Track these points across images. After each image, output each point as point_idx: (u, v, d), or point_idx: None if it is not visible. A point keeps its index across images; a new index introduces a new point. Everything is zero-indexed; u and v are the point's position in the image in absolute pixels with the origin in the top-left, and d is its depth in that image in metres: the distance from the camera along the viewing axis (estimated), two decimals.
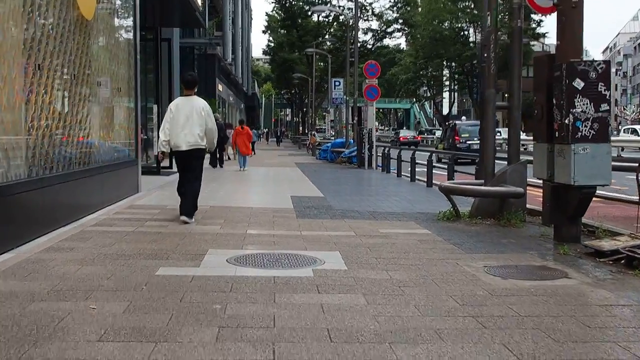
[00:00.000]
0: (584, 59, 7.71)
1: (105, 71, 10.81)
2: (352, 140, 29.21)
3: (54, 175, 8.15)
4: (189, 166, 9.36)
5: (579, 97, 7.22)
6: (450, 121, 51.92)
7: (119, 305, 4.79)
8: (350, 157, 26.97)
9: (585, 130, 7.22)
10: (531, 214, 10.16)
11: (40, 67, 7.74)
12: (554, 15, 7.99)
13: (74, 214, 8.88)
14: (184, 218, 9.00)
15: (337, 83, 36.53)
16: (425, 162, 16.55)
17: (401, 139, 62.31)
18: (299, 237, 7.93)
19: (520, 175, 9.65)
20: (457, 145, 29.97)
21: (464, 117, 71.15)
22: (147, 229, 8.33)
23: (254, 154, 26.78)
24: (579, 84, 7.22)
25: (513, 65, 9.79)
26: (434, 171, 16.44)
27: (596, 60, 7.53)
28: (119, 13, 12.01)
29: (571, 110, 7.23)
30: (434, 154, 18.40)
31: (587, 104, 7.22)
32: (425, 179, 17.27)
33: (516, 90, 9.77)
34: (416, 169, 18.12)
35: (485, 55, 10.43)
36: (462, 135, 31.54)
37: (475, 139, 29.02)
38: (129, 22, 12.62)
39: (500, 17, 60.36)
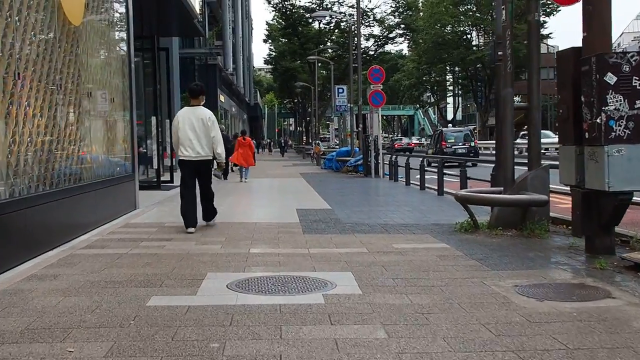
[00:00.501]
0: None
1: (97, 81, 10.18)
2: (357, 149, 28.55)
3: (39, 194, 7.51)
4: (199, 175, 9.63)
5: (612, 93, 6.54)
6: (438, 128, 56.75)
7: (100, 346, 4.12)
8: (356, 166, 26.30)
9: (619, 130, 6.53)
10: (554, 223, 9.50)
11: (21, 77, 7.10)
12: (557, 16, 7.34)
13: (64, 236, 8.24)
14: (209, 223, 9.83)
15: (340, 90, 35.88)
16: (436, 170, 15.89)
17: (396, 145, 62.68)
18: (306, 256, 7.26)
19: (542, 182, 8.97)
20: (444, 150, 33.48)
21: (450, 125, 72.95)
22: (141, 250, 7.66)
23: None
24: (610, 78, 6.54)
25: (531, 62, 9.12)
26: (443, 178, 15.78)
27: (629, 52, 6.82)
28: (111, 19, 11.38)
29: (603, 108, 6.55)
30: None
31: (620, 100, 6.54)
32: (436, 188, 16.67)
33: (535, 89, 9.11)
34: (425, 177, 17.49)
35: (500, 52, 9.77)
36: (448, 141, 35.14)
37: (460, 144, 35.06)
38: (122, 29, 11.98)
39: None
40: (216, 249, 7.73)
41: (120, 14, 11.90)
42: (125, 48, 12.09)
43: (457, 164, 18.51)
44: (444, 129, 46.31)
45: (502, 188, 9.66)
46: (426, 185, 17.30)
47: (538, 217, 8.80)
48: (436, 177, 16.68)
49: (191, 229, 9.17)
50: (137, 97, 19.60)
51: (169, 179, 19.81)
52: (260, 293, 5.50)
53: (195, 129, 9.28)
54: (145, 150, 18.55)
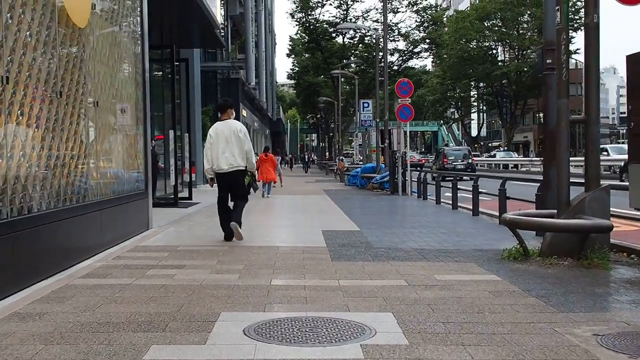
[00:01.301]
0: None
1: (106, 89, 9.29)
2: (383, 165, 27.55)
3: (32, 215, 6.59)
4: (234, 186, 9.89)
5: None
6: (441, 148, 62.58)
7: None
8: (382, 183, 25.30)
9: None
10: (614, 251, 8.42)
11: (10, 81, 6.19)
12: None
13: (62, 262, 7.30)
14: (234, 225, 9.70)
15: (365, 105, 34.94)
16: (471, 189, 14.85)
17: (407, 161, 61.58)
18: (337, 290, 6.25)
19: (602, 204, 7.92)
20: (445, 166, 38.84)
21: (451, 144, 74.47)
22: (147, 281, 6.70)
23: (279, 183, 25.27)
24: None
25: (589, 70, 8.07)
26: (479, 198, 14.71)
27: None
28: (123, 23, 10.50)
29: None
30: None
31: None
32: (469, 207, 15.63)
33: (594, 100, 8.07)
34: (458, 194, 16.46)
35: (549, 60, 8.77)
36: (449, 158, 41.09)
37: (459, 160, 40.76)
38: (136, 34, 11.11)
39: (530, 34, 58.67)
40: (233, 280, 6.75)
41: (133, 18, 11.02)
42: (139, 55, 11.19)
43: (456, 177, 19.02)
44: (445, 147, 55.09)
45: (552, 210, 8.61)
46: (459, 204, 16.30)
47: (598, 245, 7.74)
48: (468, 195, 15.69)
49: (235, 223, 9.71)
50: (156, 109, 18.89)
51: (187, 196, 18.97)
52: (284, 342, 4.49)
53: (228, 141, 9.66)
54: (163, 165, 17.73)
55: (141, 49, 11.25)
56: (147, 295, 5.95)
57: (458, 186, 16.61)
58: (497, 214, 14.15)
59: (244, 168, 9.87)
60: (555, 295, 5.99)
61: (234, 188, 9.94)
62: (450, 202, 17.24)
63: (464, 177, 21.12)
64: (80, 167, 8.17)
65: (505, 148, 66.48)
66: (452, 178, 18.93)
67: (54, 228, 7.12)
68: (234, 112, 10.23)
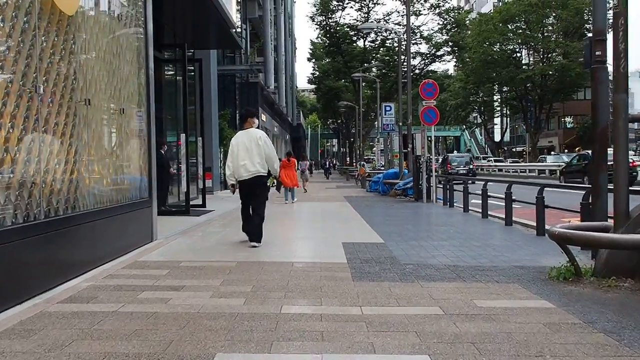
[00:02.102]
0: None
1: (101, 87, 8.34)
2: (406, 171, 26.46)
3: (3, 230, 5.63)
4: (252, 194, 10.14)
5: None
6: (445, 154, 66.87)
7: None
8: (405, 189, 24.21)
9: None
10: None
11: None
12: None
13: (42, 283, 6.34)
14: (253, 244, 9.87)
15: (387, 108, 33.82)
16: (504, 196, 13.74)
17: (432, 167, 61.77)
18: (359, 320, 5.21)
19: None
20: (449, 171, 42.41)
21: (455, 151, 75.26)
22: (136, 307, 5.69)
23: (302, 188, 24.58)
24: None
25: None
26: (512, 206, 13.60)
27: None
28: (122, 15, 9.55)
29: None
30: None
31: None
32: (500, 216, 14.57)
33: None
34: (488, 201, 15.35)
35: (599, 52, 7.68)
36: (452, 164, 46.39)
37: (462, 166, 45.71)
38: (138, 28, 10.15)
39: (555, 37, 57.26)
40: (237, 306, 5.73)
41: (135, 10, 10.06)
42: (142, 52, 10.24)
43: (461, 182, 19.85)
44: (449, 154, 59.56)
45: (605, 223, 7.54)
46: (489, 212, 15.21)
47: None
48: (497, 203, 14.61)
49: (254, 243, 9.89)
50: (169, 112, 17.98)
51: (200, 203, 18.03)
52: None
53: (248, 149, 9.97)
54: (176, 171, 16.80)
55: (145, 45, 10.29)
56: (131, 328, 4.95)
57: (489, 193, 15.48)
58: (533, 224, 13.10)
59: (264, 174, 10.10)
60: (627, 330, 4.91)
61: (254, 194, 10.16)
62: (479, 210, 16.18)
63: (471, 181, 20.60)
64: (69, 173, 7.21)
65: (552, 153, 64.58)
66: (461, 182, 19.37)
67: (33, 244, 6.15)
68: (256, 121, 10.47)
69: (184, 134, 15.69)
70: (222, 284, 6.79)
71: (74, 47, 7.47)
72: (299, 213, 17.30)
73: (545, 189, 12.01)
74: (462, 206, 17.41)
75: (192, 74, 19.20)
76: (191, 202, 18.41)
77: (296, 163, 23.75)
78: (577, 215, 13.10)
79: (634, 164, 32.84)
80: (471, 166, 47.55)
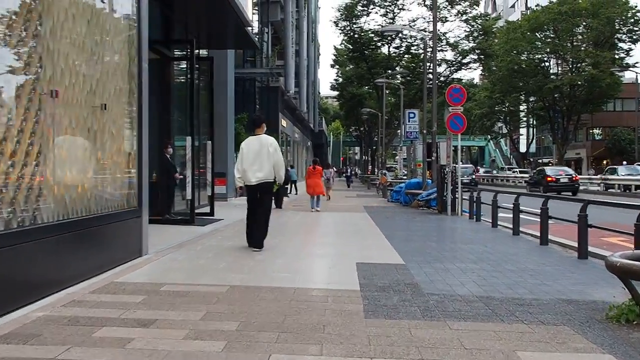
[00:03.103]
0: None
1: (78, 78, 7.14)
2: (429, 181, 25.11)
3: None
4: (260, 199, 10.33)
5: None
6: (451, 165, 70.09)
7: None
8: (429, 201, 22.85)
9: None
10: None
11: None
12: None
13: None
14: (255, 250, 10.05)
15: (411, 115, 32.49)
16: (538, 212, 12.38)
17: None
18: None
19: None
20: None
21: (460, 162, 75.74)
22: (82, 354, 4.44)
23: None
24: None
25: None
26: (548, 223, 12.24)
27: None
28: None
29: None
30: None
31: None
32: (533, 233, 13.27)
33: None
34: (520, 216, 13.99)
35: None
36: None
37: (466, 176, 40.14)
38: (127, 12, 8.93)
39: (585, 46, 55.99)
40: (213, 354, 4.47)
41: None
42: (133, 42, 9.04)
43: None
44: (455, 165, 65.15)
45: None
46: (520, 229, 13.86)
47: None
48: (529, 218, 13.29)
49: (256, 249, 10.10)
50: (178, 115, 16.85)
51: (208, 212, 16.85)
52: None
53: (258, 155, 10.12)
54: (182, 177, 15.61)
55: (137, 34, 9.09)
56: None
57: (521, 207, 14.11)
58: (571, 243, 11.80)
59: (272, 180, 10.28)
60: None
61: (261, 199, 10.36)
62: (508, 225, 14.87)
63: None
64: (28, 178, 6.01)
65: (625, 163, 62.15)
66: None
67: None
68: (265, 127, 10.69)
69: (190, 137, 14.47)
70: (203, 318, 5.53)
71: (41, 30, 6.29)
72: (313, 225, 16.02)
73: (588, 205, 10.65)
74: (491, 221, 16.05)
75: (205, 74, 18.07)
76: (199, 210, 17.28)
77: (322, 171, 23.51)
78: (622, 236, 11.83)
79: (576, 178, 41.24)
80: (473, 176, 51.98)
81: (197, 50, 17.84)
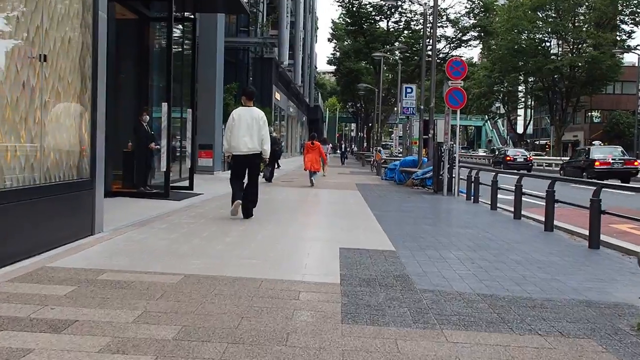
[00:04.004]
0: None
1: (8, 20, 5.93)
2: (425, 159, 23.95)
3: None
4: (248, 170, 10.57)
5: None
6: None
7: None
8: (424, 180, 21.72)
9: None
10: None
11: None
12: None
13: None
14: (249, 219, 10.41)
15: (408, 90, 31.16)
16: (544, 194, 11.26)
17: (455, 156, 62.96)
18: None
19: None
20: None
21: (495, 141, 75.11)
22: None
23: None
24: None
25: None
26: (554, 207, 11.11)
27: None
28: None
29: None
30: None
31: None
32: (537, 217, 12.25)
33: None
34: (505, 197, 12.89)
35: None
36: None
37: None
38: None
39: (586, 27, 54.70)
40: None
41: None
42: None
43: None
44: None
45: None
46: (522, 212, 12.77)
47: None
48: (533, 200, 12.16)
49: (238, 201, 10.39)
50: (159, 81, 15.58)
51: (187, 185, 15.70)
52: None
53: (249, 127, 10.31)
54: (158, 147, 14.41)
55: None
56: None
57: (523, 190, 12.99)
58: (579, 230, 10.76)
59: (260, 152, 10.47)
60: None
61: (250, 169, 10.61)
62: (509, 207, 13.85)
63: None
64: None
65: (599, 143, 61.07)
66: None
67: None
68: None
69: (166, 104, 13.26)
70: (136, 319, 4.38)
71: None
72: (299, 203, 14.85)
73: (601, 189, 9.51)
74: (490, 203, 14.93)
75: (188, 37, 16.82)
76: (178, 184, 16.16)
77: (320, 147, 22.95)
78: (632, 222, 10.74)
79: (530, 158, 47.84)
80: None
81: (179, 13, 16.63)
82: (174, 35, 16.24)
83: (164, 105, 13.28)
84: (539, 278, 6.58)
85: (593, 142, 46.61)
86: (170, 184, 15.83)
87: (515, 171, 20.82)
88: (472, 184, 16.94)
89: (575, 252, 8.68)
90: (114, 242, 7.56)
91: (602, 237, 9.44)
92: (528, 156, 48.71)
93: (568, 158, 41.26)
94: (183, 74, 16.80)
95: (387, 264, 7.00)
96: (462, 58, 20.49)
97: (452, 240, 9.17)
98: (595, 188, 9.49)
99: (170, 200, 13.07)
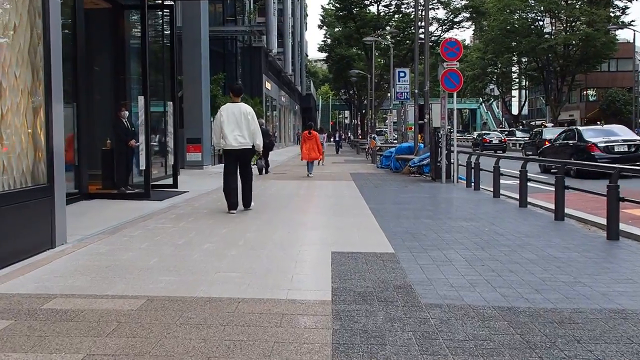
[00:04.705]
0: None
1: None
2: (421, 145, 23.06)
3: None
4: (241, 164, 10.83)
5: None
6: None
7: None
8: (421, 167, 20.85)
9: None
10: None
11: None
12: None
13: None
14: (248, 209, 10.96)
15: (402, 74, 30.22)
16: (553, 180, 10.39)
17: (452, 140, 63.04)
18: None
19: None
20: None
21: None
22: None
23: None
24: None
25: None
26: (564, 194, 10.25)
27: None
28: None
29: None
30: None
31: None
32: (545, 204, 11.44)
33: None
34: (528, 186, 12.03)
35: None
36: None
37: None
38: None
39: (579, 4, 53.67)
40: None
41: None
42: None
43: None
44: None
45: None
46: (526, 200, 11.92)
47: None
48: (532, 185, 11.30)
49: (233, 211, 10.54)
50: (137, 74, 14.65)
51: (170, 183, 14.81)
52: None
53: (238, 122, 10.50)
54: (138, 144, 13.49)
55: None
56: None
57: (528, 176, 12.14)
58: (591, 218, 9.94)
59: (251, 146, 10.67)
60: None
61: (242, 163, 10.81)
62: (511, 194, 13.08)
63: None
64: None
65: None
66: None
67: None
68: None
69: (143, 96, 12.35)
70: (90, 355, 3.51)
71: None
72: (290, 198, 13.92)
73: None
74: (492, 190, 14.07)
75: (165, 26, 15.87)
76: (163, 182, 15.28)
77: (317, 136, 22.44)
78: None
79: (504, 140, 51.19)
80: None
81: (155, 0, 15.69)
82: (152, 24, 15.34)
83: (140, 99, 12.36)
84: (560, 282, 5.72)
85: (598, 123, 46.18)
86: (154, 182, 14.99)
87: (494, 152, 20.07)
88: (472, 170, 16.08)
89: (594, 245, 7.82)
90: (74, 257, 6.66)
91: (621, 226, 8.58)
92: (503, 138, 52.06)
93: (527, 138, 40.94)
94: (164, 66, 15.87)
95: (385, 270, 6.13)
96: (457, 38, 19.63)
97: (457, 237, 8.29)
98: (612, 173, 8.62)
99: (151, 201, 12.20)
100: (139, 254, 6.87)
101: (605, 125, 25.74)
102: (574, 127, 27.88)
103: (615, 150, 20.34)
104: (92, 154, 13.24)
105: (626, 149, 20.52)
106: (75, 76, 11.99)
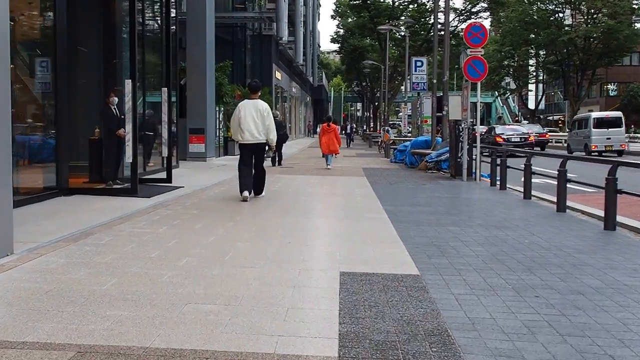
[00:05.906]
0: None
1: None
2: (439, 139, 21.56)
3: None
4: (255, 156, 11.45)
5: None
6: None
7: None
8: (439, 162, 19.36)
9: None
10: None
11: None
12: None
13: None
14: (259, 196, 11.63)
15: (418, 64, 28.64)
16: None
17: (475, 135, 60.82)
18: None
19: None
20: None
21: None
22: None
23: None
24: None
25: None
26: (617, 198, 8.72)
27: None
28: None
29: None
30: None
31: None
32: (596, 212, 9.92)
33: None
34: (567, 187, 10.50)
35: None
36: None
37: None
38: None
39: None
40: None
41: None
42: None
43: None
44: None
45: None
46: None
47: None
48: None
49: (245, 193, 11.05)
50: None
51: (165, 177, 13.41)
52: None
53: (255, 118, 11.14)
54: (126, 133, 12.03)
55: None
56: None
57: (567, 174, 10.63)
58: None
59: (265, 141, 11.32)
60: None
61: (257, 156, 11.45)
62: (542, 195, 11.64)
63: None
64: None
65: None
66: None
67: None
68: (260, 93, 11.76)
69: (130, 81, 10.89)
70: None
71: None
72: (295, 196, 12.38)
73: None
74: (522, 190, 12.54)
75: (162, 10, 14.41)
76: (158, 176, 13.91)
77: (336, 129, 21.90)
78: None
79: (532, 138, 43.57)
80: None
81: None
82: (150, 4, 13.96)
83: (128, 83, 10.91)
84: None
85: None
86: (147, 176, 13.64)
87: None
88: (498, 167, 14.56)
89: None
90: (11, 276, 5.20)
91: None
92: (529, 136, 37.12)
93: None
94: (164, 51, 14.46)
95: (411, 303, 4.65)
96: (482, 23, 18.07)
97: (493, 252, 6.78)
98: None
99: (138, 198, 10.79)
100: (95, 271, 5.40)
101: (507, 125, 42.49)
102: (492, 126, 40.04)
103: (512, 140, 33.64)
104: (74, 143, 11.87)
105: (519, 140, 34.16)
106: (54, 58, 10.61)
